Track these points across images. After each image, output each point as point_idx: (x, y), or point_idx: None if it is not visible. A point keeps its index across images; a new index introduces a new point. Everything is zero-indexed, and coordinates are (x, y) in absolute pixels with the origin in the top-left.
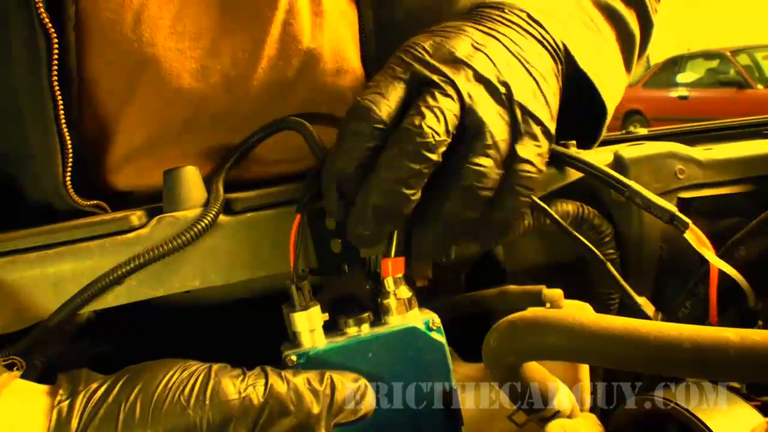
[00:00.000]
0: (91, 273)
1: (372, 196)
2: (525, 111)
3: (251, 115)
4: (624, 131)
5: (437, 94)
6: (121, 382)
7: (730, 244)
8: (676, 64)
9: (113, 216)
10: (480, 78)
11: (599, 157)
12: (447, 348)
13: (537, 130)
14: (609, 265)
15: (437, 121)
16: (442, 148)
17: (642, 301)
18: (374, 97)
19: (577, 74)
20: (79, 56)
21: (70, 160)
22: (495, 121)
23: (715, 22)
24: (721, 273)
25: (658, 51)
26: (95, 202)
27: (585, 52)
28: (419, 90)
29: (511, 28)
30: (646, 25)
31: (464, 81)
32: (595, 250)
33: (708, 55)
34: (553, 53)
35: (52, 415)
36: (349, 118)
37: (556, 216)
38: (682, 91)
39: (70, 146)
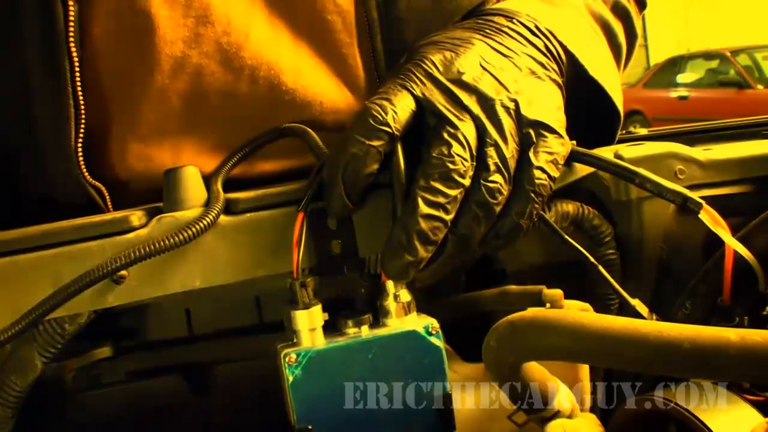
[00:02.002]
0: None
1: (415, 223)
2: (535, 123)
3: (247, 99)
4: (624, 131)
5: (456, 122)
6: None
7: None
8: (676, 64)
9: (113, 216)
10: (489, 99)
11: (601, 154)
12: (444, 353)
13: (549, 138)
14: (600, 268)
15: (463, 148)
16: (471, 172)
17: (635, 303)
18: (382, 102)
19: (585, 82)
20: (81, 29)
21: (83, 127)
22: (506, 138)
23: (716, 22)
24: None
25: (658, 51)
26: (98, 184)
27: (593, 60)
28: (433, 113)
29: (517, 40)
30: (631, 37)
31: (475, 104)
32: (586, 253)
33: (708, 56)
34: (558, 62)
35: None
36: (356, 119)
37: (550, 221)
38: (682, 92)
39: (83, 111)
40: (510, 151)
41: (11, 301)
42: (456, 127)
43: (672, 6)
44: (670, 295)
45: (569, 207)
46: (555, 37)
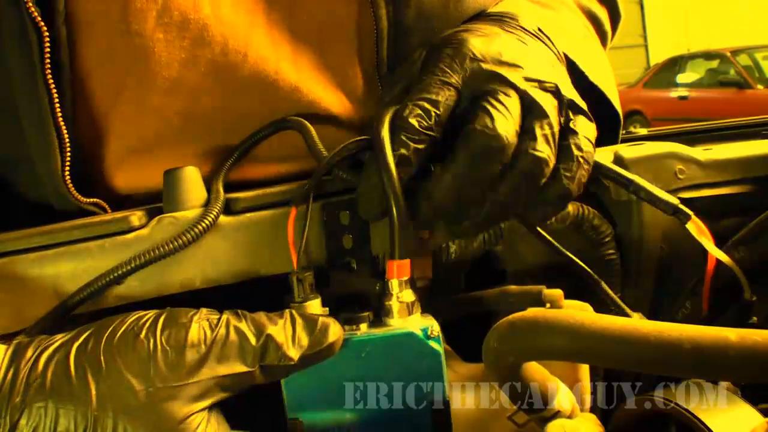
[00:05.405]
0: (91, 273)
1: (444, 196)
2: (573, 104)
3: (245, 113)
4: (624, 131)
5: (501, 95)
6: (74, 333)
7: (730, 244)
8: (676, 64)
9: (113, 216)
10: (532, 77)
11: (599, 157)
12: (443, 357)
13: (584, 120)
14: (583, 264)
15: (506, 120)
16: (512, 149)
17: (617, 300)
18: (425, 105)
19: (583, 88)
20: (71, 51)
21: (68, 155)
22: (552, 113)
23: (715, 22)
24: (721, 271)
25: (658, 51)
26: (94, 200)
27: (592, 65)
28: (478, 90)
29: (529, 35)
30: (615, 19)
31: (520, 79)
32: (574, 258)
33: (708, 56)
34: (561, 62)
35: (8, 351)
36: (399, 118)
37: (540, 228)
38: (682, 92)
39: (67, 140)
40: (556, 125)
41: (11, 301)
42: (499, 100)
43: (672, 6)
44: (670, 295)
45: (569, 207)
46: (551, 41)
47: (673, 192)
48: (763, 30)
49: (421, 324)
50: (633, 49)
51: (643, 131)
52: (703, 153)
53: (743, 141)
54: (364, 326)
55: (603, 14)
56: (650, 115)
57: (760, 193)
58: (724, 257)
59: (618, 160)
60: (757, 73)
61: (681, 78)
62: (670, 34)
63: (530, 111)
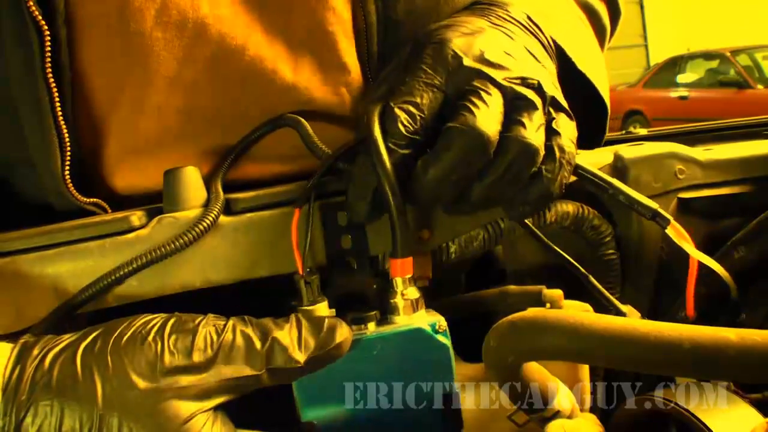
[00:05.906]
0: (91, 273)
1: (427, 198)
2: (555, 101)
3: (243, 111)
4: (624, 131)
5: (482, 93)
6: (80, 334)
7: (729, 245)
8: (676, 64)
9: (113, 216)
10: (515, 74)
11: (599, 157)
12: (452, 351)
13: (566, 118)
14: (570, 259)
15: (487, 117)
16: (494, 146)
17: (615, 301)
18: (410, 108)
19: (572, 75)
20: (71, 50)
21: (68, 155)
22: (537, 108)
23: (715, 22)
24: (711, 276)
25: (658, 51)
26: (95, 200)
27: (581, 53)
28: (459, 89)
29: (517, 26)
30: (615, 15)
31: (502, 77)
32: (569, 258)
33: (708, 56)
34: (550, 53)
35: (14, 349)
36: (387, 123)
37: (533, 226)
38: (682, 92)
39: (67, 140)
40: (540, 118)
41: (11, 301)
42: (481, 98)
43: (672, 6)
44: (670, 295)
45: (569, 207)
46: (540, 30)
47: (672, 192)
48: (763, 30)
49: (427, 320)
50: (633, 49)
51: (643, 131)
52: (703, 153)
53: (743, 141)
54: (372, 325)
55: (602, 8)
56: (650, 115)
57: (760, 193)
58: (705, 259)
59: (618, 159)
60: (757, 73)
61: (681, 78)
62: (670, 34)
63: (517, 104)
